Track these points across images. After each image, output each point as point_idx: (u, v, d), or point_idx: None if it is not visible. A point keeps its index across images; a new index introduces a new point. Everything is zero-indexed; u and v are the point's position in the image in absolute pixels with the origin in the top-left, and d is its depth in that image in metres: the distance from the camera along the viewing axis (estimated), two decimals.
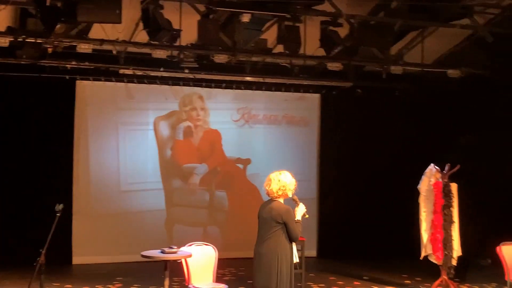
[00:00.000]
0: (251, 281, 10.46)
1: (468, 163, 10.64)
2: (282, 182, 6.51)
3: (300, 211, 6.54)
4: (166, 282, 7.57)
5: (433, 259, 9.80)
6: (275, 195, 6.51)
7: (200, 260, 7.89)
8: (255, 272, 6.45)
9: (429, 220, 9.77)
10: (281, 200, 6.52)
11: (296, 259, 6.60)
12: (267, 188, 6.59)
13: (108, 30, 9.94)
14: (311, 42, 10.48)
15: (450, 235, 9.66)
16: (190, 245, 7.94)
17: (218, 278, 8.32)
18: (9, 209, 11.39)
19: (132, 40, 10.53)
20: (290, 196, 6.55)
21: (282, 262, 6.33)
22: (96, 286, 10.00)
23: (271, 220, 6.39)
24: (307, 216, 6.59)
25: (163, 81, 12.39)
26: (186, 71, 11.43)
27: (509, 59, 11.45)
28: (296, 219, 6.44)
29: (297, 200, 6.62)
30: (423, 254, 9.86)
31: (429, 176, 9.86)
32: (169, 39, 9.59)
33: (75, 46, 10.14)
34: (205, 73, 11.96)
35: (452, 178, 9.81)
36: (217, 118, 13.08)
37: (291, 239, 6.42)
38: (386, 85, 12.69)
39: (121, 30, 9.85)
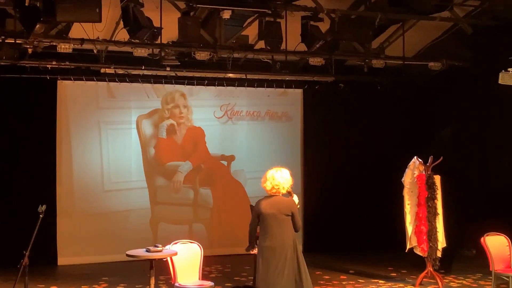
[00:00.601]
0: (237, 278, 10.53)
1: (451, 155, 10.71)
2: (276, 181, 6.95)
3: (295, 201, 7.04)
4: (152, 281, 7.55)
5: (418, 251, 9.85)
6: (273, 191, 6.92)
7: (186, 258, 7.87)
8: (265, 266, 6.80)
9: (414, 212, 9.82)
10: (280, 195, 6.95)
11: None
12: (263, 185, 7.01)
13: (88, 29, 9.89)
14: (292, 38, 10.49)
15: (435, 227, 9.71)
16: (176, 243, 7.92)
17: (204, 276, 8.32)
18: None
19: (112, 39, 10.47)
20: (285, 192, 6.94)
21: (298, 251, 6.88)
22: (82, 286, 9.96)
23: (279, 214, 6.82)
24: (298, 206, 7.09)
25: (145, 79, 12.34)
26: (168, 69, 11.39)
27: (489, 51, 11.53)
28: None
29: (291, 192, 7.06)
30: (408, 246, 9.91)
31: (412, 168, 9.91)
32: (150, 37, 9.55)
33: (55, 46, 10.07)
34: (187, 71, 11.93)
35: (436, 170, 9.86)
36: (200, 115, 13.05)
37: (295, 230, 6.90)
38: (368, 79, 12.73)
39: (101, 29, 9.80)
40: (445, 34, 12.03)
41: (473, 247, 11.63)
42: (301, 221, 6.98)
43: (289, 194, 7.07)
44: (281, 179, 6.99)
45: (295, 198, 7.10)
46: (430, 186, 9.74)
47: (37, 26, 9.04)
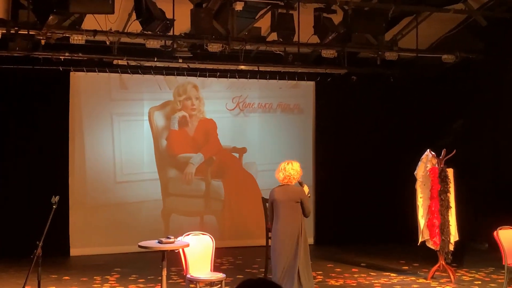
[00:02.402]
0: (248, 270, 10.54)
1: (464, 148, 10.67)
2: (287, 172, 7.64)
3: (306, 190, 7.74)
4: (164, 272, 7.56)
5: (430, 245, 9.82)
6: (285, 181, 7.65)
7: (198, 250, 7.88)
8: (278, 246, 7.58)
9: (426, 205, 9.79)
10: (291, 185, 7.68)
11: None
12: (276, 176, 7.75)
13: (101, 21, 9.90)
14: (304, 30, 10.45)
15: (447, 221, 9.67)
16: (187, 235, 7.93)
17: (216, 267, 8.32)
18: (5, 202, 11.37)
19: (125, 31, 10.48)
20: (294, 183, 7.70)
21: (303, 233, 7.58)
22: (94, 277, 10.00)
23: (289, 201, 7.59)
24: (309, 195, 7.80)
25: (157, 71, 12.36)
26: (180, 60, 11.39)
27: (503, 43, 11.46)
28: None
29: (302, 182, 7.82)
30: (420, 239, 9.88)
31: (425, 162, 9.87)
32: (162, 29, 9.56)
33: (68, 37, 10.10)
34: (199, 63, 11.93)
35: (448, 163, 9.82)
36: (212, 107, 13.05)
37: (305, 215, 7.67)
38: (381, 71, 12.67)
39: (114, 21, 9.82)
40: (459, 27, 11.96)
41: (486, 240, 11.58)
42: (311, 208, 7.80)
43: (300, 184, 7.78)
44: (291, 170, 7.67)
45: (306, 188, 7.81)
46: (443, 179, 9.70)
47: (50, 17, 9.09)
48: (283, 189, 7.67)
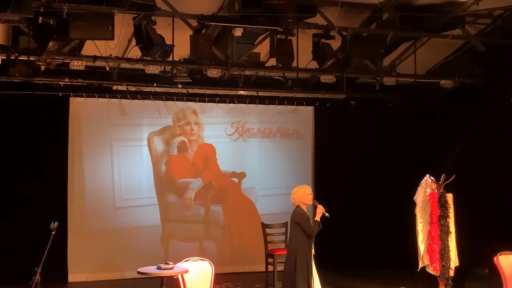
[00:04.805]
0: None
1: (463, 172, 10.65)
2: (295, 195, 8.14)
3: (319, 212, 8.05)
4: None
5: (430, 270, 9.78)
6: (296, 204, 8.12)
7: (197, 276, 7.84)
8: (285, 264, 8.19)
9: (426, 231, 9.76)
10: (302, 207, 8.10)
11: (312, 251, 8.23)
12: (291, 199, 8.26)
13: (100, 47, 9.93)
14: (303, 55, 10.50)
15: (447, 246, 9.64)
16: (187, 261, 7.90)
17: None
18: (3, 227, 11.32)
19: (125, 56, 10.51)
20: (308, 204, 8.14)
21: (298, 252, 7.96)
22: None
23: (292, 222, 8.10)
24: (327, 215, 8.06)
25: (157, 96, 12.38)
26: (180, 86, 11.41)
27: (501, 69, 11.50)
28: (314, 218, 8.04)
29: (316, 203, 8.19)
30: (420, 265, 9.84)
31: (424, 186, 9.86)
32: (162, 54, 9.59)
33: (68, 63, 10.12)
34: (198, 88, 11.94)
35: (448, 189, 9.81)
36: (211, 132, 13.06)
37: (307, 236, 8.00)
38: (380, 97, 12.71)
39: (114, 47, 9.86)
40: (457, 52, 12.02)
41: (486, 266, 11.52)
42: (311, 229, 8.01)
43: (315, 206, 8.19)
44: (293, 194, 8.18)
45: (319, 209, 8.09)
46: (443, 204, 9.69)
47: (50, 43, 9.10)
48: (293, 211, 8.17)
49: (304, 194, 8.12)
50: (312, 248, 8.19)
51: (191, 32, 9.80)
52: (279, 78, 12.00)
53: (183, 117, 12.88)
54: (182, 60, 10.44)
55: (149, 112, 12.60)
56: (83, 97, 12.02)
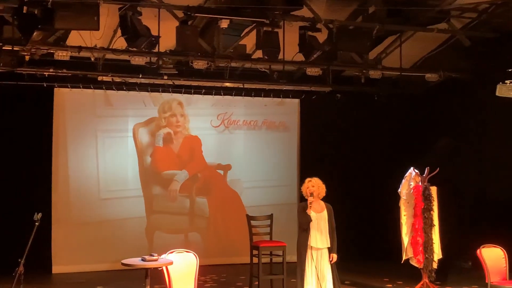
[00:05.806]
0: None
1: (448, 166, 10.70)
2: (302, 188, 8.70)
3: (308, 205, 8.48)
4: None
5: (414, 263, 9.83)
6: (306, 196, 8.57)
7: (182, 267, 7.83)
8: None
9: (410, 223, 9.81)
10: (309, 199, 8.59)
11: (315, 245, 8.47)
12: None
13: (86, 37, 9.88)
14: (290, 48, 10.50)
15: (431, 238, 9.70)
16: (171, 252, 7.89)
17: (200, 285, 8.29)
18: None
19: (110, 47, 10.47)
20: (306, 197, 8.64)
21: (298, 246, 8.45)
22: None
23: None
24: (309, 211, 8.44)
25: (142, 87, 12.34)
26: (165, 77, 11.38)
27: (486, 63, 11.56)
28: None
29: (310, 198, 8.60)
30: (404, 257, 9.89)
31: (409, 179, 9.90)
32: (147, 45, 9.56)
33: (53, 53, 10.06)
34: (184, 79, 11.93)
35: (432, 182, 9.86)
36: (197, 124, 13.05)
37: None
38: (365, 90, 12.73)
39: (99, 37, 9.80)
40: (442, 46, 12.06)
41: (469, 258, 11.60)
42: (300, 220, 8.51)
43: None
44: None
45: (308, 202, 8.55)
46: (427, 197, 9.74)
47: (35, 33, 9.05)
48: None
49: (304, 187, 8.70)
50: (319, 241, 8.54)
51: (177, 23, 9.77)
52: (265, 70, 11.99)
53: (169, 108, 12.85)
54: (168, 52, 10.40)
55: (135, 103, 12.56)
56: (68, 87, 11.96)
